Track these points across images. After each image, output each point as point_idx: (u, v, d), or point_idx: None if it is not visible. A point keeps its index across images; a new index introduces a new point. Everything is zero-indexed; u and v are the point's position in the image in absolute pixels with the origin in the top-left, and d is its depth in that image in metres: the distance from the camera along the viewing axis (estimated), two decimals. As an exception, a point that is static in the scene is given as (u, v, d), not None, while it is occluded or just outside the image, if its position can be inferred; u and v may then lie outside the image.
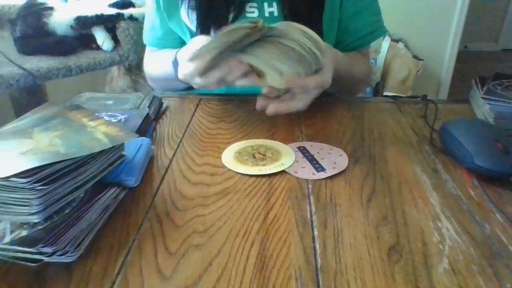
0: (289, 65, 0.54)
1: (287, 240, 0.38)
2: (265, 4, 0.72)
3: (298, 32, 0.54)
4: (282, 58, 0.54)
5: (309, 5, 0.71)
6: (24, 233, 0.35)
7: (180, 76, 0.63)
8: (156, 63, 0.81)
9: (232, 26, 0.54)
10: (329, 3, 0.72)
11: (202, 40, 0.59)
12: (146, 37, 0.86)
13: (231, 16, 0.71)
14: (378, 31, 0.78)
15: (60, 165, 0.38)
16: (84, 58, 1.47)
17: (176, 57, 0.70)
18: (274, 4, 0.72)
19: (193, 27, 0.75)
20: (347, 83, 0.76)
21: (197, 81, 0.60)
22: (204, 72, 0.57)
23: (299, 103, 0.59)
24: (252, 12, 0.72)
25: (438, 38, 2.38)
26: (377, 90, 2.28)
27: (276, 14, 0.72)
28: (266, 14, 0.72)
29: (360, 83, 0.86)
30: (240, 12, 0.72)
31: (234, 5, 0.71)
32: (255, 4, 0.72)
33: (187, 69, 0.60)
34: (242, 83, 0.58)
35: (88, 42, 1.55)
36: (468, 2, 2.27)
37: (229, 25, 0.55)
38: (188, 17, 0.75)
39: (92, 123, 0.47)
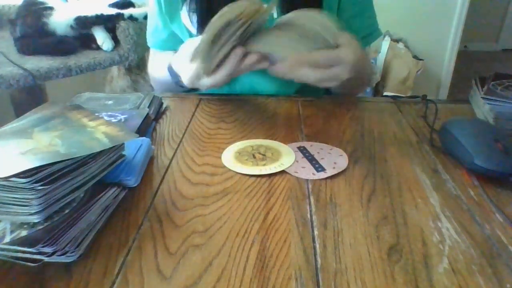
0: (292, 46, 0.53)
1: (287, 240, 0.38)
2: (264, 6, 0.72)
3: (306, 17, 0.54)
4: (283, 41, 0.53)
5: (308, 7, 0.71)
6: (24, 233, 0.35)
7: (185, 82, 0.62)
8: (158, 67, 0.81)
9: (222, 10, 0.52)
10: (327, 5, 0.72)
11: (195, 40, 0.58)
12: (150, 40, 0.86)
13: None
14: (374, 34, 0.79)
15: (60, 165, 0.38)
16: (84, 58, 1.47)
17: (170, 63, 0.70)
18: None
19: (193, 30, 0.75)
20: (360, 77, 0.75)
21: (204, 82, 0.58)
22: (210, 69, 0.55)
23: (314, 75, 0.55)
24: None
25: (438, 38, 2.38)
26: (377, 90, 2.28)
27: (275, 16, 0.72)
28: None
29: (368, 81, 0.86)
30: None
31: None
32: None
33: (190, 71, 0.59)
34: (251, 69, 0.56)
35: (88, 42, 1.55)
36: (468, 2, 2.27)
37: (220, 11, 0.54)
38: (189, 20, 0.75)
39: (92, 123, 0.47)
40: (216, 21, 0.52)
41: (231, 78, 0.57)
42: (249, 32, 0.54)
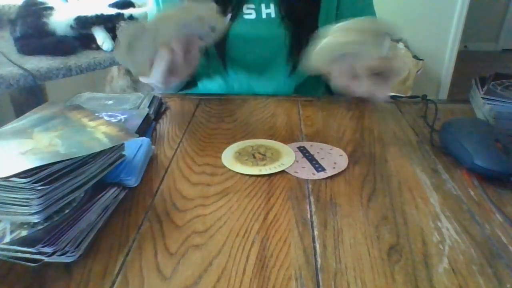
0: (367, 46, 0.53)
1: (287, 240, 0.38)
2: (262, 6, 0.72)
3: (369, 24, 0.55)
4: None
5: (306, 6, 0.71)
6: (24, 233, 0.35)
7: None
8: None
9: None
10: (325, 4, 0.72)
11: None
12: None
13: (228, 17, 0.72)
14: None
15: (60, 165, 0.38)
16: (84, 58, 1.47)
17: None
18: (271, 5, 0.72)
19: None
20: None
21: (148, 81, 0.60)
22: (139, 71, 0.58)
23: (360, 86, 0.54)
24: (249, 13, 0.73)
25: (438, 38, 2.38)
26: (377, 90, 2.27)
27: (273, 15, 0.72)
28: (264, 16, 0.73)
29: None
30: (237, 13, 0.72)
31: (231, 7, 0.72)
32: (252, 6, 0.72)
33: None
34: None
35: (88, 42, 1.55)
36: (468, 2, 2.27)
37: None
38: None
39: (92, 123, 0.47)
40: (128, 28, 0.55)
41: (177, 78, 0.58)
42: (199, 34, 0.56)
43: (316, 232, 0.39)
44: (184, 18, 0.54)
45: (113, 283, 0.34)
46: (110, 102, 0.67)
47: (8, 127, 0.45)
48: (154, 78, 0.57)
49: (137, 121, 0.58)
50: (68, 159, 0.38)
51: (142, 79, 0.60)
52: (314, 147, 0.55)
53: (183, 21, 0.54)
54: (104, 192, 0.41)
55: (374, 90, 0.54)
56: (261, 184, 0.47)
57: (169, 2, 0.76)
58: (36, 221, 0.36)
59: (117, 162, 0.46)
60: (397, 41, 2.30)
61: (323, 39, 0.54)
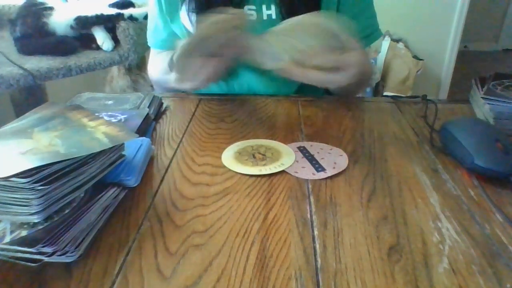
0: (298, 46, 0.55)
1: (287, 240, 0.38)
2: (263, 7, 0.72)
3: (314, 20, 0.57)
4: (294, 41, 0.56)
5: (307, 8, 0.71)
6: (24, 233, 0.35)
7: (172, 83, 0.67)
8: (159, 66, 0.82)
9: (205, 22, 0.56)
10: (326, 6, 0.72)
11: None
12: (150, 40, 0.86)
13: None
14: (374, 34, 0.79)
15: (60, 165, 0.38)
16: (84, 58, 1.47)
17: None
18: (272, 7, 0.72)
19: (193, 30, 0.75)
20: (360, 80, 0.76)
21: (185, 86, 0.64)
22: (186, 77, 0.61)
23: (317, 77, 0.57)
24: (250, 14, 0.73)
25: (438, 38, 2.38)
26: (377, 90, 2.28)
27: (274, 16, 0.73)
28: (264, 17, 0.73)
29: (367, 82, 0.87)
30: None
31: (233, 8, 0.72)
32: (253, 7, 0.72)
33: (174, 75, 0.63)
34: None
35: (88, 42, 1.55)
36: (468, 2, 2.27)
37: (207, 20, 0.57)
38: (189, 20, 0.75)
39: (92, 123, 0.47)
40: (194, 36, 0.57)
41: (212, 82, 0.62)
42: (233, 39, 0.58)
43: (316, 232, 0.39)
44: (226, 28, 0.57)
45: (113, 283, 0.34)
46: (110, 102, 0.67)
47: (8, 127, 0.45)
48: (196, 84, 0.61)
49: (137, 121, 0.58)
50: (68, 159, 0.38)
51: (181, 85, 0.63)
52: (314, 147, 0.55)
53: (225, 31, 0.57)
54: (104, 192, 0.41)
55: (324, 81, 0.57)
56: (261, 184, 0.47)
57: (171, 2, 0.76)
58: (36, 221, 0.36)
59: (117, 162, 0.46)
60: (397, 41, 2.30)
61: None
